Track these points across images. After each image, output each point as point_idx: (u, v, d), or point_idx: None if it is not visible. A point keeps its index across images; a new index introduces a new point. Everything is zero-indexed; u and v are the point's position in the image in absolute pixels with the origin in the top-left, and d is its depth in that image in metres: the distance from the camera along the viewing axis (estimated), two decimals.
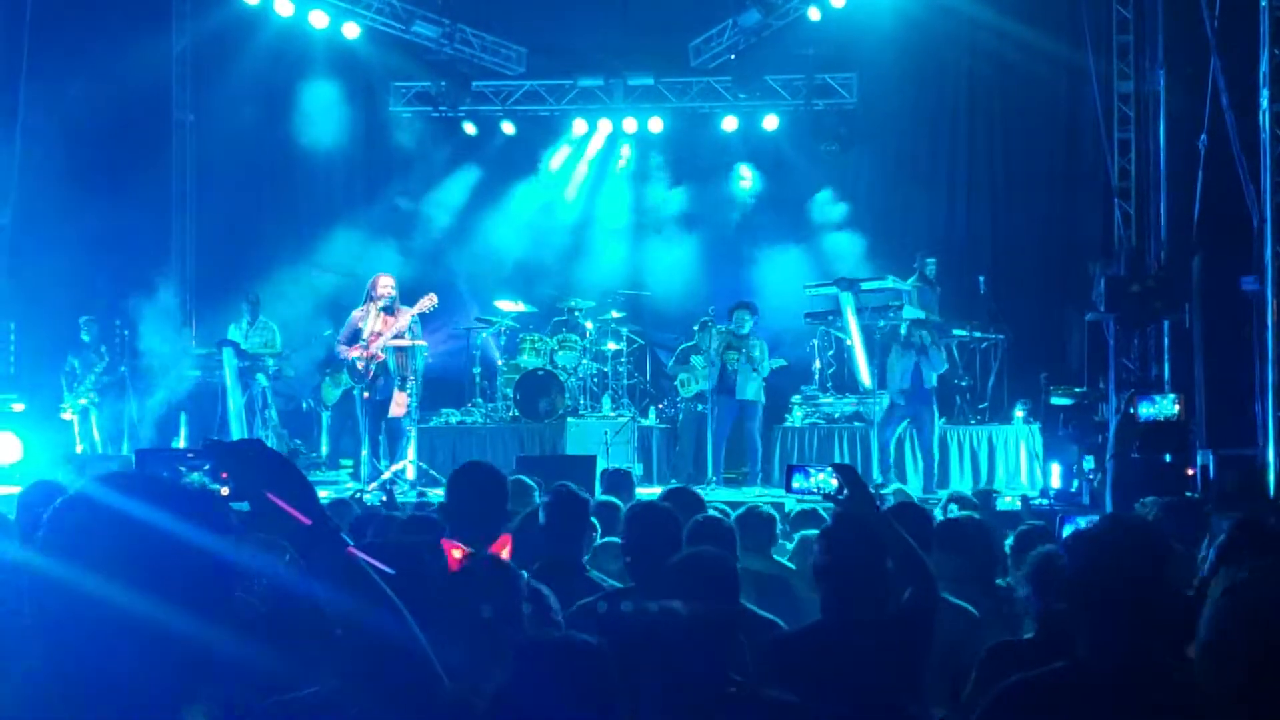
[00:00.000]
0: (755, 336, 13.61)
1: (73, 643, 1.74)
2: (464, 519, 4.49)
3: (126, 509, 1.80)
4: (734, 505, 7.74)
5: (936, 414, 13.26)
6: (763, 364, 13.48)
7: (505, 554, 3.61)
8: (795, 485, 4.35)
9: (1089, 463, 11.73)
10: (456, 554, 3.23)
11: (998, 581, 5.45)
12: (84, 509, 1.81)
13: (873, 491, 5.28)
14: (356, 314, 12.36)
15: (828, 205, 16.71)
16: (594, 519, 5.70)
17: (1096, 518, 5.46)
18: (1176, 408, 4.87)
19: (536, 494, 6.94)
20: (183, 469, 2.15)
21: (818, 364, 15.09)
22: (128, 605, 1.74)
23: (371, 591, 2.02)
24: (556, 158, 17.64)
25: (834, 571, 4.14)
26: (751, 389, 13.38)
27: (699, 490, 12.33)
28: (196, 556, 1.82)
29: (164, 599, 1.77)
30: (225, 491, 2.02)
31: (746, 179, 17.16)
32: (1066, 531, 7.09)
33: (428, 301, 12.29)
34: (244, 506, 2.01)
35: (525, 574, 4.61)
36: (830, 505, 4.49)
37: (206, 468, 2.12)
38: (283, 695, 1.97)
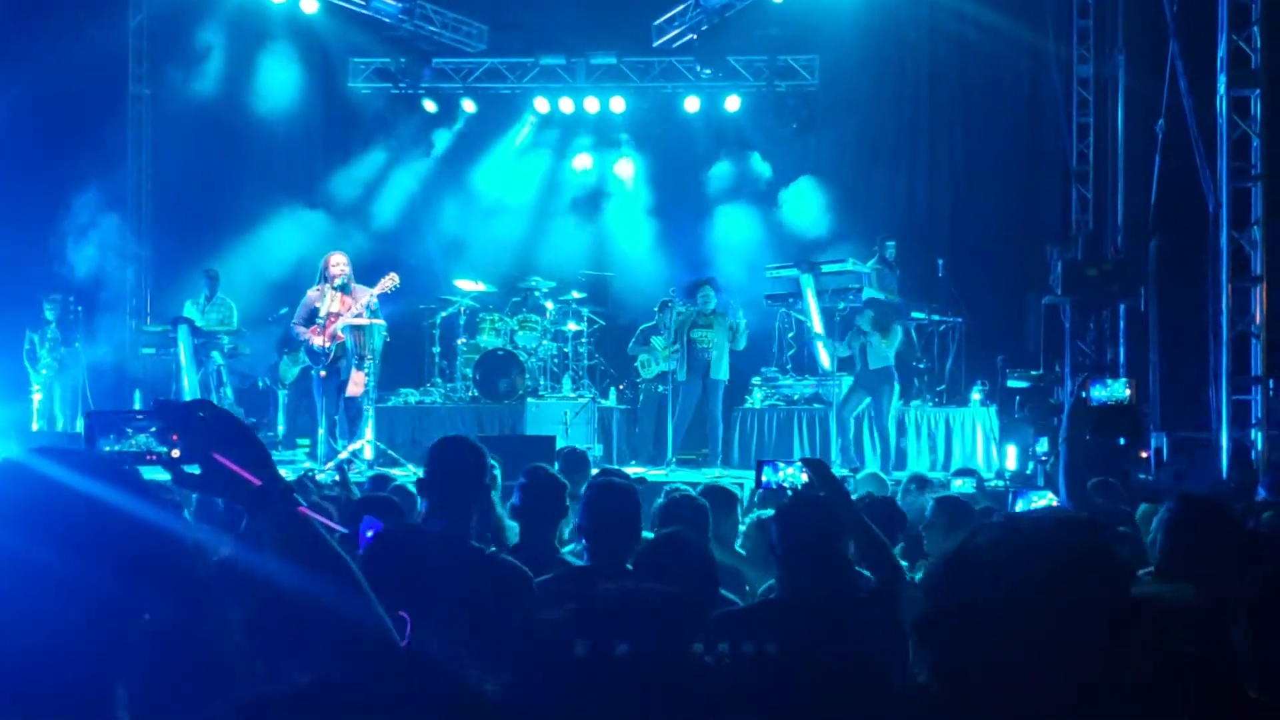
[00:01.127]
0: (724, 310, 13.50)
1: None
2: (442, 493, 4.46)
3: (57, 477, 1.78)
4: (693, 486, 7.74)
5: (895, 395, 13.26)
6: (742, 336, 13.35)
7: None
8: (765, 479, 4.36)
9: (1043, 445, 11.82)
10: (369, 533, 3.20)
11: None
12: (11, 476, 1.79)
13: (842, 478, 5.30)
14: (312, 294, 12.25)
15: (789, 187, 16.72)
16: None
17: (1048, 494, 5.51)
18: (1128, 391, 4.90)
19: (498, 472, 6.92)
20: (129, 430, 2.09)
21: (778, 346, 15.11)
22: (54, 572, 1.73)
23: (322, 550, 1.99)
24: (518, 137, 17.54)
25: (790, 550, 4.15)
26: (724, 368, 13.28)
27: (659, 470, 12.47)
28: (126, 524, 1.80)
29: (93, 566, 1.75)
30: (175, 454, 1.98)
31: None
32: (1020, 507, 7.16)
33: (389, 281, 12.19)
34: (194, 469, 1.98)
35: (493, 549, 4.63)
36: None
37: (153, 429, 2.07)
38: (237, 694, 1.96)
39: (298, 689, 1.90)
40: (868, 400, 13.18)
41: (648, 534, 5.08)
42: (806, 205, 16.48)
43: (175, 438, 1.98)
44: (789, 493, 4.36)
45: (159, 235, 17.07)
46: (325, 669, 1.93)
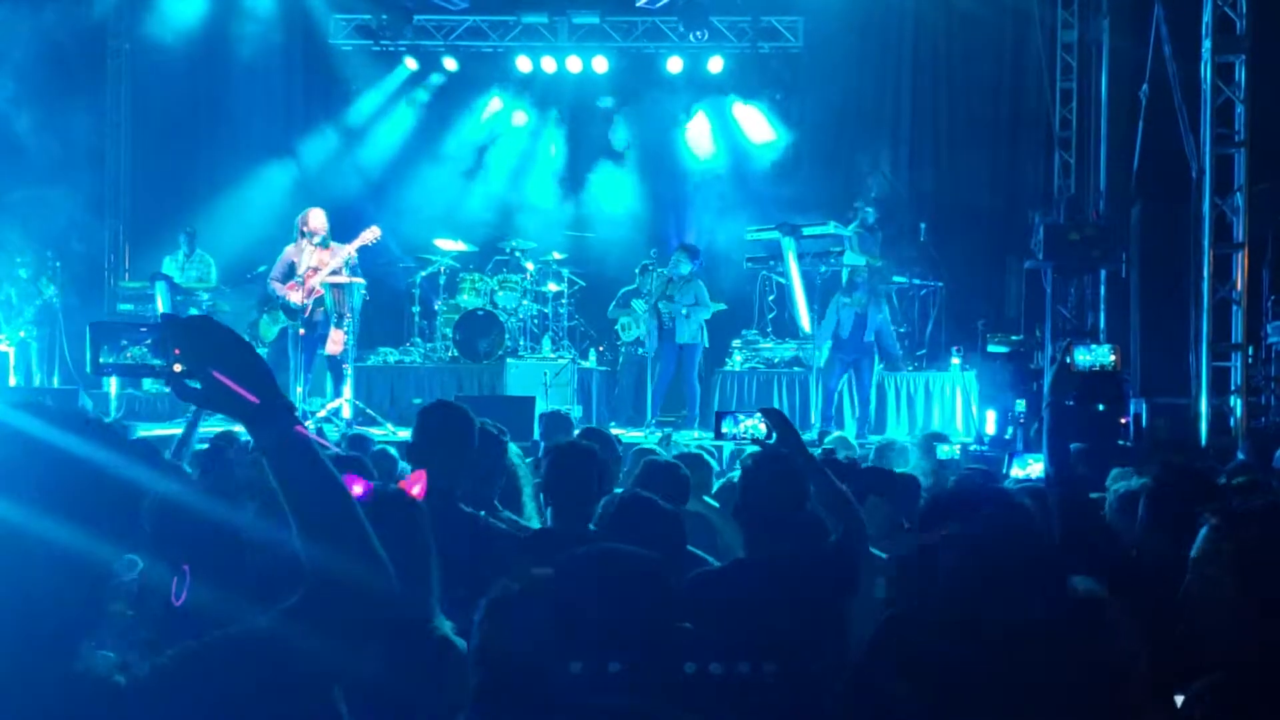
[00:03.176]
0: (694, 279, 13.49)
1: None
2: (430, 458, 4.43)
3: (30, 430, 1.78)
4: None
5: (877, 362, 13.31)
6: (698, 310, 13.35)
7: (417, 490, 3.55)
8: (724, 430, 4.35)
9: (1020, 405, 11.85)
10: (357, 489, 3.16)
11: None
12: None
13: (815, 438, 5.29)
14: (290, 250, 12.18)
15: (771, 149, 16.67)
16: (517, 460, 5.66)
17: (1042, 457, 5.48)
18: (1112, 357, 4.89)
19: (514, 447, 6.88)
20: (124, 342, 2.07)
21: (758, 309, 15.10)
22: (27, 526, 1.73)
23: (318, 468, 1.97)
24: (498, 97, 17.41)
25: (753, 508, 4.14)
26: (688, 332, 13.28)
27: (638, 433, 12.48)
28: (99, 479, 1.81)
29: (65, 518, 1.75)
30: (177, 368, 1.96)
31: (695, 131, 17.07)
32: (1016, 469, 7.17)
33: (370, 234, 12.13)
34: (195, 384, 1.97)
35: (484, 514, 4.61)
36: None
37: (149, 343, 2.06)
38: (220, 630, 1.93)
39: (256, 630, 1.88)
40: (851, 370, 13.21)
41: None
42: (788, 168, 16.44)
43: (177, 351, 1.97)
44: (749, 444, 4.35)
45: (137, 191, 16.97)
46: (308, 595, 1.91)
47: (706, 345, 13.61)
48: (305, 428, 2.01)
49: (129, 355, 2.08)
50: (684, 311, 13.21)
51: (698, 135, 17.09)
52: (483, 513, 4.58)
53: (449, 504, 4.42)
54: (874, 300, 13.21)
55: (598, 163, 17.19)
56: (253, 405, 1.95)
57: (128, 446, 1.89)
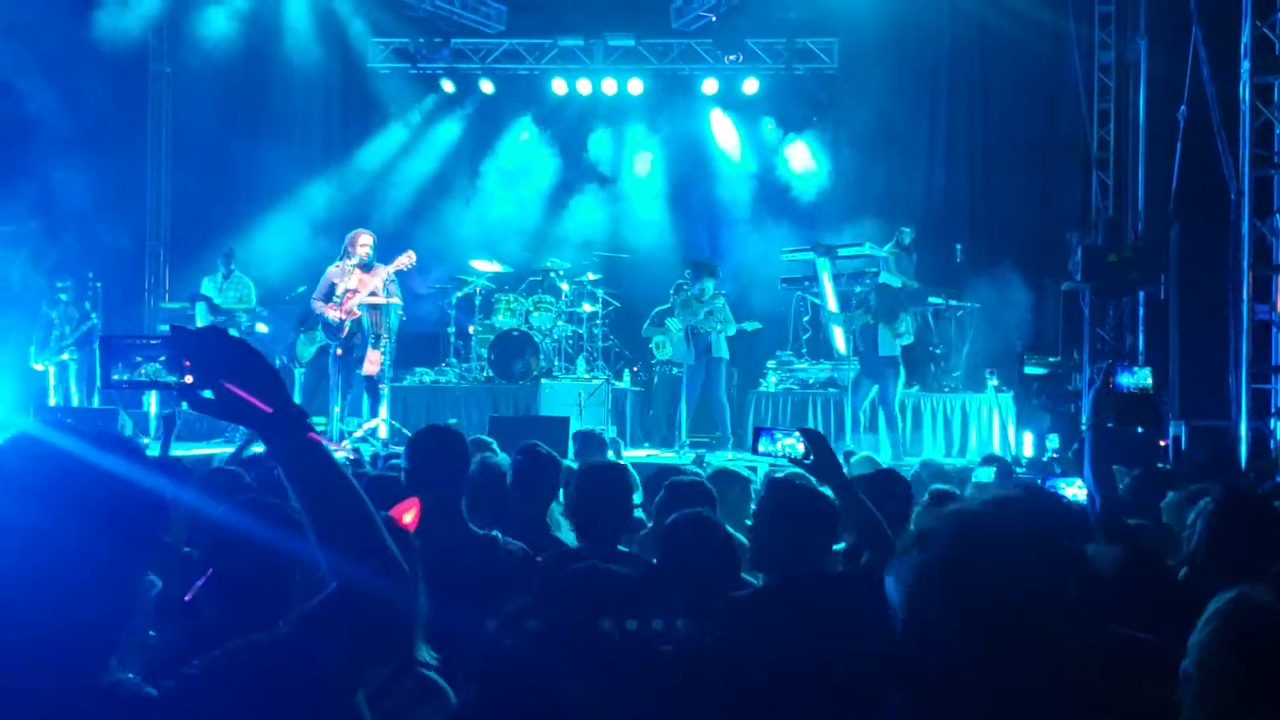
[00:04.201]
0: (719, 294, 13.47)
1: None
2: (424, 483, 4.44)
3: (70, 449, 1.81)
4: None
5: (900, 380, 13.16)
6: (728, 325, 13.36)
7: (409, 518, 3.55)
8: (761, 448, 4.33)
9: (1053, 441, 11.76)
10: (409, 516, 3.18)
11: None
12: (27, 448, 1.82)
13: (840, 458, 5.24)
14: (333, 270, 12.26)
15: (806, 170, 16.67)
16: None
17: (1077, 481, 5.42)
18: (1150, 380, 4.88)
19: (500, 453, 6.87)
20: (139, 359, 2.10)
21: (793, 329, 15.08)
22: (61, 539, 1.75)
23: (332, 475, 1.99)
24: (530, 130, 17.50)
25: (774, 532, 4.11)
26: (720, 348, 13.28)
27: (670, 453, 12.47)
28: (129, 494, 1.83)
29: (94, 532, 1.78)
30: (188, 379, 1.98)
31: (728, 148, 17.10)
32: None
33: (406, 259, 12.20)
34: (208, 395, 1.98)
35: (498, 534, 4.61)
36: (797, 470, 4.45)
37: (163, 358, 2.08)
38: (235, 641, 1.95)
39: (278, 637, 1.90)
40: (875, 388, 13.14)
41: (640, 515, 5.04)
42: (823, 188, 16.43)
43: (188, 364, 1.98)
44: (785, 462, 4.32)
45: (177, 213, 17.13)
46: (328, 602, 1.93)
47: (727, 358, 13.55)
48: (319, 435, 2.02)
49: (142, 371, 2.10)
50: (716, 327, 13.20)
51: (731, 154, 17.11)
52: (496, 532, 4.57)
53: (457, 525, 4.43)
54: (887, 315, 13.05)
55: (631, 183, 17.24)
56: (265, 414, 1.97)
57: (154, 463, 1.91)
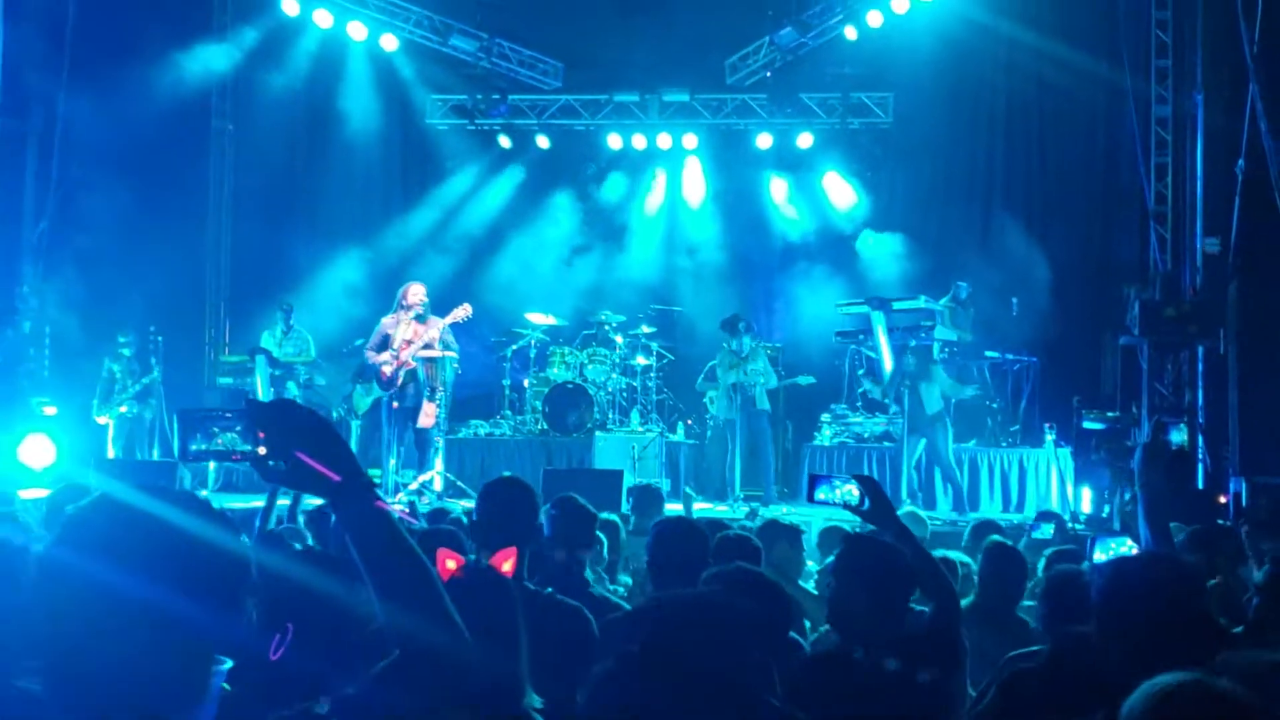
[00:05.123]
0: (759, 348, 13.51)
1: (79, 636, 1.76)
2: (494, 534, 4.41)
3: (149, 509, 1.84)
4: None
5: (949, 435, 13.07)
6: (769, 378, 13.41)
7: (508, 567, 3.56)
8: (818, 496, 4.30)
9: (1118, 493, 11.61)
10: (450, 564, 3.20)
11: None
12: (106, 509, 1.85)
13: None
14: (387, 321, 12.38)
15: (861, 224, 16.67)
16: (600, 534, 5.63)
17: (1126, 540, 5.37)
18: (1185, 437, 4.84)
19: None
20: (215, 430, 2.17)
21: (848, 383, 15.04)
22: (140, 599, 1.78)
23: (398, 543, 2.04)
24: (590, 174, 17.64)
25: (847, 596, 4.07)
26: (760, 399, 13.32)
27: (724, 506, 12.44)
28: (214, 558, 1.87)
29: (178, 595, 1.80)
30: (262, 451, 2.04)
31: (781, 201, 17.16)
32: (1099, 553, 7.01)
33: (461, 312, 12.30)
34: (280, 465, 2.04)
35: (550, 590, 4.59)
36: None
37: (239, 429, 2.14)
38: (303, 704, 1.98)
39: (349, 699, 1.93)
40: (924, 443, 13.06)
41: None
42: (879, 242, 16.42)
43: (261, 435, 2.04)
44: (842, 509, 4.29)
45: (238, 267, 17.36)
46: (392, 666, 1.96)
47: (769, 410, 13.58)
48: (385, 503, 2.07)
49: (219, 442, 2.17)
50: (759, 380, 13.22)
51: (785, 208, 17.17)
52: (550, 589, 4.52)
53: (519, 581, 4.42)
54: (923, 370, 12.99)
55: (686, 237, 17.32)
56: (334, 483, 2.02)
57: (229, 521, 1.95)
